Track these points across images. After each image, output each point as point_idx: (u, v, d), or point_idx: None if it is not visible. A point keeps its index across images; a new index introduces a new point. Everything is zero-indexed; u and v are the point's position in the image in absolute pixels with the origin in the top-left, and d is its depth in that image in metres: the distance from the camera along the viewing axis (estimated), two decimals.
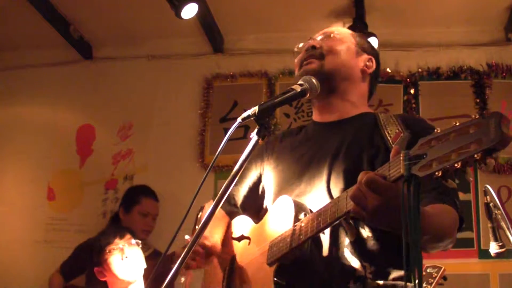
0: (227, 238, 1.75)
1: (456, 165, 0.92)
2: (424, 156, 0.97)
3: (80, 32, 4.26)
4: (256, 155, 1.81)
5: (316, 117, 1.73)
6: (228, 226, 1.78)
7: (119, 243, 2.45)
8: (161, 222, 3.76)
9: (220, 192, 1.32)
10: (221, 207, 1.81)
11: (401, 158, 1.03)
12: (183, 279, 2.14)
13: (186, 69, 4.26)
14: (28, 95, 4.40)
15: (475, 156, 0.90)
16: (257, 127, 1.39)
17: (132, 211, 3.58)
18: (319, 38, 1.73)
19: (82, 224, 4.02)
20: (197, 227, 2.19)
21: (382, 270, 1.39)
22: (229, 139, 1.36)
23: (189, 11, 3.49)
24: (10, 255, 4.04)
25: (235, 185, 1.80)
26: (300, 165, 1.59)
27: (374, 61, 1.72)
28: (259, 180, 1.76)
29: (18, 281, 3.89)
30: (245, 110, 1.40)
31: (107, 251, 2.43)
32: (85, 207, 4.09)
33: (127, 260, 2.42)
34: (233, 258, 1.67)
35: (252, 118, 1.38)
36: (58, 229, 4.07)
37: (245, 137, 3.76)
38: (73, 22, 4.15)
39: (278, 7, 3.92)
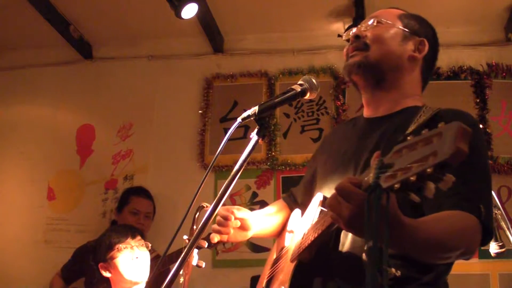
0: (285, 230, 1.78)
1: (412, 178, 0.86)
2: (392, 165, 0.92)
3: (80, 32, 4.26)
4: (315, 151, 1.83)
5: (364, 110, 1.66)
6: (288, 217, 1.81)
7: (130, 242, 2.43)
8: (161, 222, 3.76)
9: (220, 192, 1.33)
10: (286, 202, 1.87)
11: (373, 165, 0.98)
12: (182, 280, 2.14)
13: (186, 69, 4.26)
14: (28, 95, 4.41)
15: (428, 169, 0.83)
16: (257, 127, 1.39)
17: (123, 211, 3.60)
18: (364, 25, 1.62)
19: (82, 224, 4.03)
20: (195, 227, 2.20)
21: (407, 278, 1.33)
22: (229, 139, 1.36)
23: (189, 11, 3.49)
24: (10, 255, 4.04)
25: (298, 185, 1.86)
26: (343, 162, 1.56)
27: (426, 43, 1.57)
28: (313, 177, 1.74)
29: (18, 281, 3.89)
30: (245, 110, 1.41)
31: (117, 248, 2.41)
32: (85, 207, 4.09)
33: (136, 261, 2.41)
34: (281, 249, 1.71)
35: (252, 118, 1.39)
36: (58, 229, 4.07)
37: (245, 137, 3.76)
38: (73, 22, 4.15)
39: (278, 7, 3.92)
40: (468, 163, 0.88)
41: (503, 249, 2.27)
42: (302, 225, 1.56)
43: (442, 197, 1.21)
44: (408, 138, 0.92)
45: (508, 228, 2.24)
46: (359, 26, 1.63)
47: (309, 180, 1.77)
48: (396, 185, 0.90)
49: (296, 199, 1.85)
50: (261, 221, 1.76)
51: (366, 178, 1.02)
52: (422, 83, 1.63)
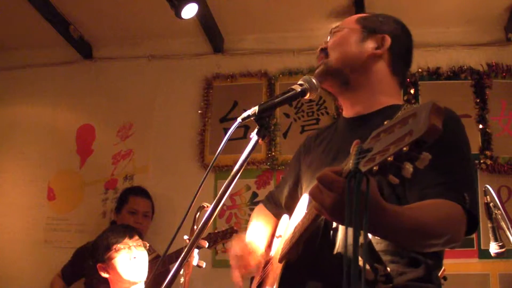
0: (273, 237, 1.79)
1: (389, 158, 0.87)
2: (371, 149, 0.94)
3: (80, 32, 4.26)
4: (296, 154, 1.85)
5: (343, 112, 1.70)
6: (276, 226, 1.83)
7: (128, 242, 2.43)
8: (161, 222, 3.76)
9: (220, 192, 1.33)
10: (268, 209, 1.88)
11: (353, 152, 0.99)
12: (182, 280, 2.14)
13: (186, 69, 4.26)
14: (28, 95, 4.41)
15: (403, 148, 0.85)
16: (257, 127, 1.39)
17: (122, 211, 3.61)
18: (328, 38, 1.70)
19: (82, 224, 4.03)
20: (195, 227, 2.20)
21: (396, 273, 1.35)
22: (229, 139, 1.36)
23: (189, 11, 3.49)
24: (10, 255, 4.04)
25: (279, 186, 1.87)
26: (327, 162, 1.57)
27: (387, 38, 1.60)
28: (297, 179, 1.76)
29: (18, 281, 3.89)
30: (245, 110, 1.41)
31: (115, 249, 2.41)
32: (85, 207, 4.09)
33: (134, 261, 2.41)
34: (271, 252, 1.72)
35: (252, 118, 1.39)
36: (58, 229, 4.07)
37: (245, 137, 3.76)
38: (73, 22, 4.15)
39: (278, 7, 3.92)
40: (449, 153, 0.89)
41: (503, 249, 2.28)
42: (291, 227, 1.55)
43: (426, 188, 1.24)
44: (385, 122, 0.94)
45: (508, 228, 2.24)
46: (324, 40, 1.70)
47: (294, 182, 1.78)
48: (374, 168, 0.91)
49: (277, 203, 1.86)
50: (262, 242, 1.79)
51: (346, 166, 1.03)
52: (397, 78, 1.64)
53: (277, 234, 1.75)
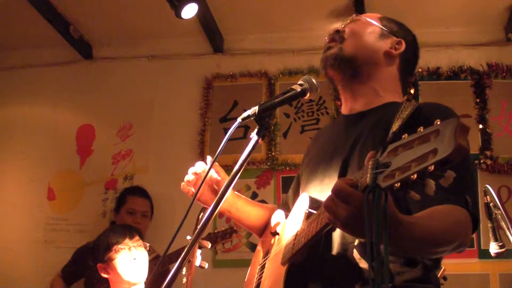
0: (268, 230, 1.79)
1: (412, 176, 0.86)
2: (389, 164, 0.91)
3: (80, 32, 4.26)
4: (304, 155, 1.85)
5: (342, 108, 1.69)
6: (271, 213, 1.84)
7: (128, 243, 2.43)
8: (161, 222, 3.76)
9: (220, 192, 1.33)
10: (278, 207, 1.86)
11: (369, 166, 0.96)
12: (184, 280, 2.14)
13: (186, 69, 4.26)
14: (28, 95, 4.41)
15: (429, 168, 0.83)
16: (257, 127, 1.39)
17: (120, 211, 3.62)
18: (344, 23, 1.68)
19: (82, 224, 4.03)
20: (198, 227, 2.20)
21: (394, 273, 1.34)
22: (229, 139, 1.36)
23: (189, 11, 3.49)
24: (10, 255, 4.04)
25: (289, 191, 1.86)
26: (325, 160, 1.56)
27: (403, 43, 1.63)
28: (299, 180, 1.76)
29: (18, 281, 3.89)
30: (245, 110, 1.41)
31: (115, 249, 2.40)
32: (85, 207, 4.09)
33: (134, 262, 2.41)
34: (267, 252, 1.70)
35: (252, 118, 1.39)
36: (58, 229, 4.07)
37: (245, 137, 3.77)
38: (73, 22, 4.15)
39: (278, 7, 3.93)
40: None
41: (503, 249, 2.28)
42: (289, 227, 1.55)
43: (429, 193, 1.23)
44: (403, 136, 0.92)
45: (508, 228, 2.24)
46: (340, 24, 1.69)
47: (297, 185, 1.78)
48: (396, 185, 0.90)
49: (286, 205, 1.85)
50: (242, 201, 1.80)
51: (362, 179, 1.01)
52: (401, 83, 1.65)
53: (272, 230, 1.74)
